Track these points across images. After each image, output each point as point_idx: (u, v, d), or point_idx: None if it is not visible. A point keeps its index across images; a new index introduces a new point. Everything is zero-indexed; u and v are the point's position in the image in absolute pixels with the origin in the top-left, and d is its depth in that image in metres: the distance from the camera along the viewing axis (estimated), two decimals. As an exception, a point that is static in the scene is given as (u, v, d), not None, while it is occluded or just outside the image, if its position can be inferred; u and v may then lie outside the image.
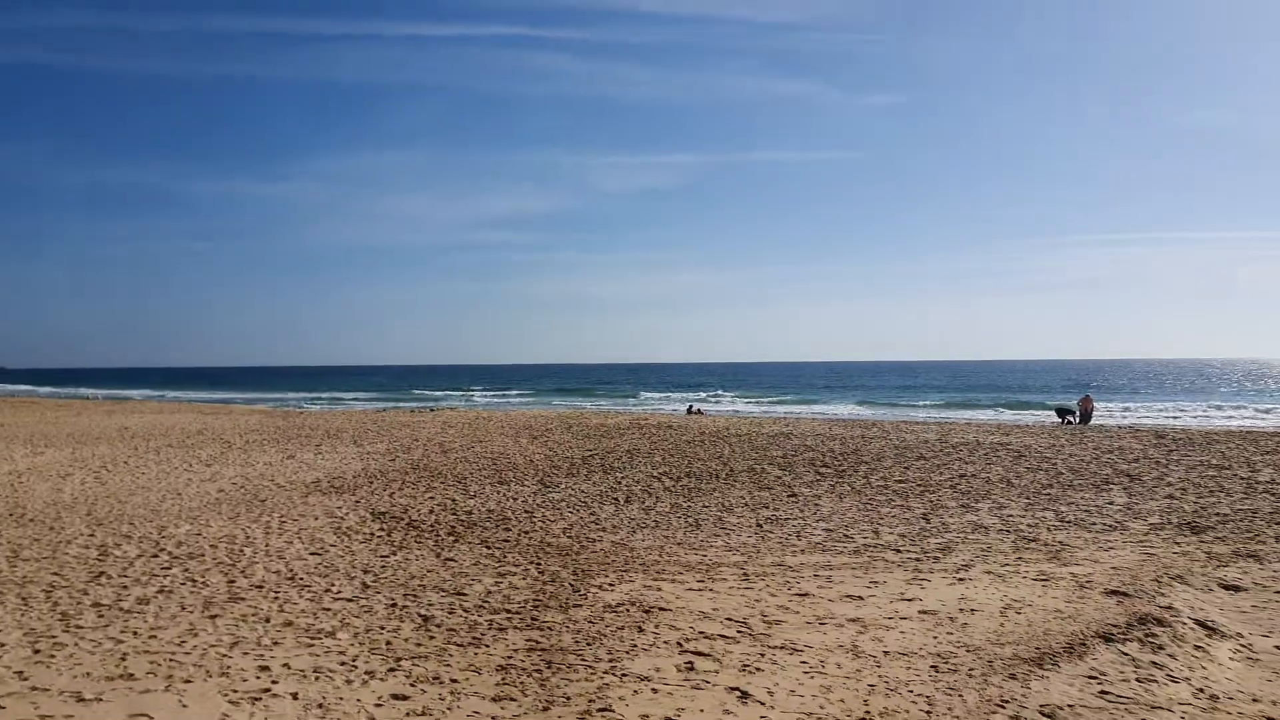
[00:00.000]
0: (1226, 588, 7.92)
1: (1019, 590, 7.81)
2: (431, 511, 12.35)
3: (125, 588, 8.00)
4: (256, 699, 5.28)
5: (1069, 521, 11.35)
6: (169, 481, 15.38)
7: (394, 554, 9.57)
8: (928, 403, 54.70)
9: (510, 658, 6.06)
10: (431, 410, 40.72)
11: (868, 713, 5.08)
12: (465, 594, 7.83)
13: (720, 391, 75.65)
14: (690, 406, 43.66)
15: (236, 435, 24.56)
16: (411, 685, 5.51)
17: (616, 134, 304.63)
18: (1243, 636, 6.59)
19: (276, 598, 7.67)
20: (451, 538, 10.51)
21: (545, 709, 5.14)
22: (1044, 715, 5.05)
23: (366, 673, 5.74)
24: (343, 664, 5.92)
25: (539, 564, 9.09)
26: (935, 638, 6.47)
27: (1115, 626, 6.62)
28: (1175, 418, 39.64)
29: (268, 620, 6.97)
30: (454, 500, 13.33)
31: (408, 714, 5.06)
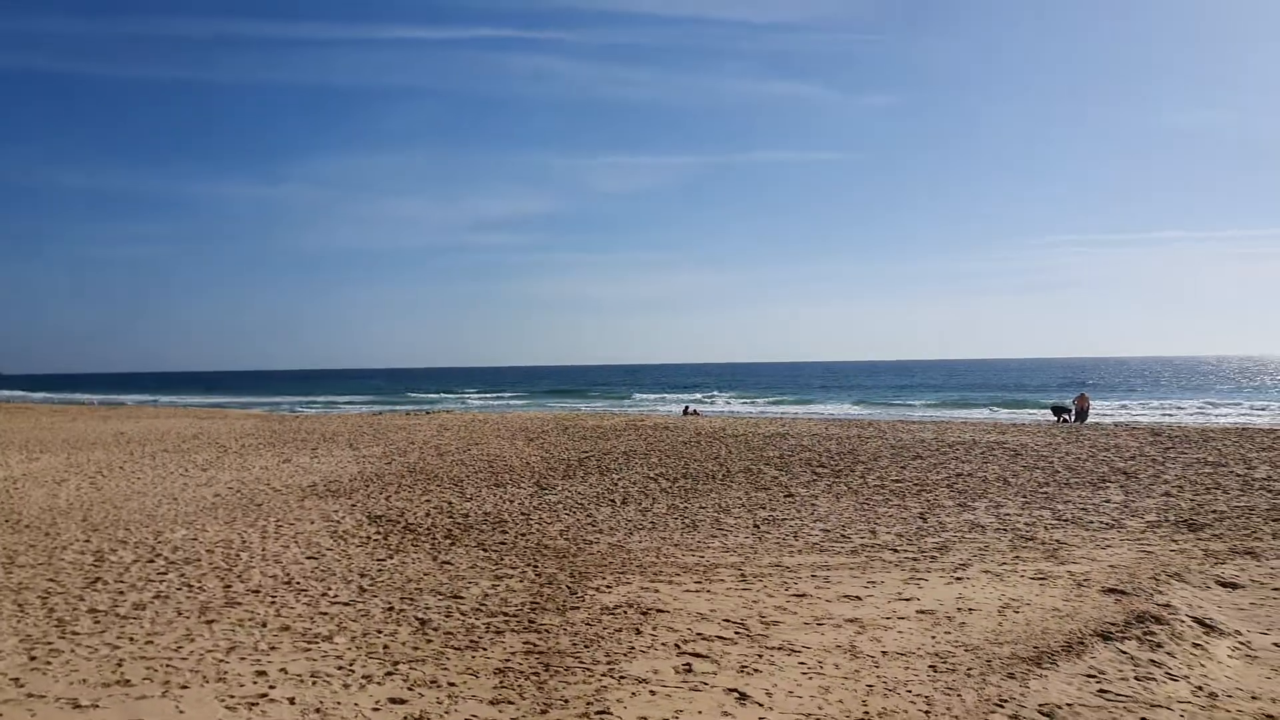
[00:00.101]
0: (1224, 585, 7.93)
1: (1017, 589, 7.82)
2: (428, 515, 12.32)
3: (121, 593, 7.97)
4: (254, 704, 5.25)
5: (1066, 520, 11.35)
6: (164, 486, 15.32)
7: (390, 557, 9.55)
8: (924, 402, 54.80)
9: (508, 661, 6.05)
10: (427, 413, 40.65)
11: (866, 713, 5.07)
12: (462, 597, 7.81)
13: (715, 392, 75.71)
14: (686, 407, 43.66)
15: (232, 440, 24.49)
16: (409, 689, 5.49)
17: (614, 135, 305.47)
18: (1241, 634, 6.59)
19: (273, 602, 7.64)
20: (448, 541, 10.49)
21: (543, 712, 5.12)
22: (1043, 714, 5.05)
23: (364, 677, 5.72)
24: (340, 668, 5.90)
25: (536, 566, 9.07)
26: (933, 637, 6.46)
27: (1113, 625, 6.62)
28: (1171, 415, 39.78)
29: (264, 625, 6.94)
30: (450, 503, 13.31)
31: (405, 718, 5.04)
